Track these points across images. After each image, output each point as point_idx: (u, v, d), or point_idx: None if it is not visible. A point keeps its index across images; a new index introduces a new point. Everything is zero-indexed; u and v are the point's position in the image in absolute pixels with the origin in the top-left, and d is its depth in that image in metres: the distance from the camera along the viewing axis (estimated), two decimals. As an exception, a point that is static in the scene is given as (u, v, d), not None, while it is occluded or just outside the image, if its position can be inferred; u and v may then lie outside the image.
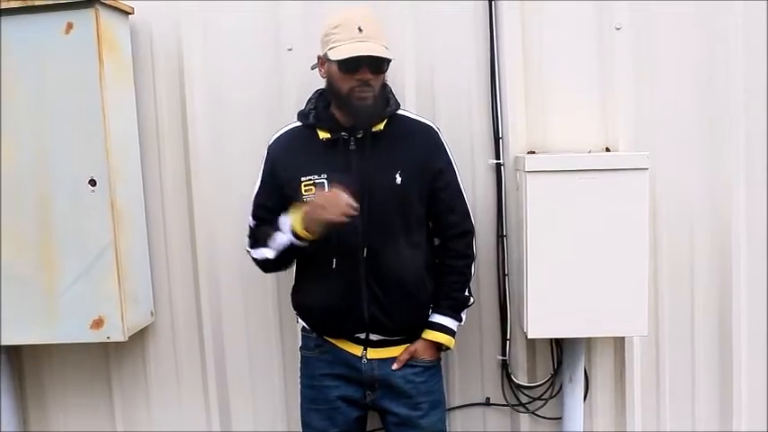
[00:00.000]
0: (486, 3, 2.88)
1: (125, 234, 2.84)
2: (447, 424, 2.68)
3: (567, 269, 2.60)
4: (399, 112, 2.52)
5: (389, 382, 2.51)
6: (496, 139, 2.91)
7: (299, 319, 2.65)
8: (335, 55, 2.31)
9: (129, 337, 2.87)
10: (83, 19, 2.70)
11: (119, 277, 2.78)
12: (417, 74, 2.94)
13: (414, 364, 2.52)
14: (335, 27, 2.36)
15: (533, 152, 2.87)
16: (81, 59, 2.71)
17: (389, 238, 2.40)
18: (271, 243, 2.43)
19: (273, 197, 2.50)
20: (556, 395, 3.00)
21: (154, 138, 3.08)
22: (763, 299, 2.93)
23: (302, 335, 2.67)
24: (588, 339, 2.93)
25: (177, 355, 3.19)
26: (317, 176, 2.40)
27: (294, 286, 2.65)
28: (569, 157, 2.65)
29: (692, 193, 2.90)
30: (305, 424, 2.66)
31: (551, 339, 2.95)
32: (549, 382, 3.00)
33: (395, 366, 2.50)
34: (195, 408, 3.21)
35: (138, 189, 3.02)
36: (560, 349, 2.94)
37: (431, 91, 2.94)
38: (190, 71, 3.03)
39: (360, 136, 2.41)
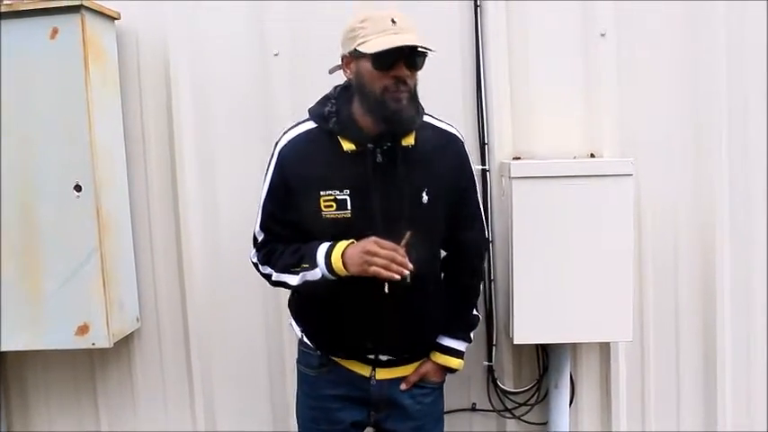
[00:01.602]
0: (472, 9, 2.90)
1: (110, 240, 2.83)
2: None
3: (553, 275, 2.61)
4: (425, 119, 2.26)
5: (397, 403, 2.37)
6: (482, 145, 2.93)
7: (298, 331, 2.45)
8: (369, 48, 2.03)
9: (115, 343, 2.86)
10: (68, 24, 2.70)
11: (104, 283, 2.78)
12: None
13: (421, 385, 2.39)
14: (363, 21, 2.08)
15: (519, 158, 2.88)
16: (67, 64, 2.71)
17: (417, 260, 2.08)
18: (297, 272, 2.20)
19: (285, 208, 2.25)
20: (542, 400, 3.01)
21: (140, 143, 3.08)
22: (747, 302, 2.96)
23: (301, 349, 2.46)
24: (574, 344, 2.94)
25: (163, 361, 3.18)
26: (338, 192, 2.15)
27: (299, 301, 2.44)
28: (554, 164, 2.66)
29: (677, 198, 2.93)
30: None
31: (537, 345, 2.95)
32: (535, 387, 3.01)
33: (403, 387, 2.35)
34: (181, 414, 3.20)
35: (123, 194, 3.02)
36: (546, 355, 2.95)
37: (417, 97, 2.94)
38: (176, 76, 3.03)
39: (386, 148, 2.16)
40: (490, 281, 2.96)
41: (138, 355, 3.18)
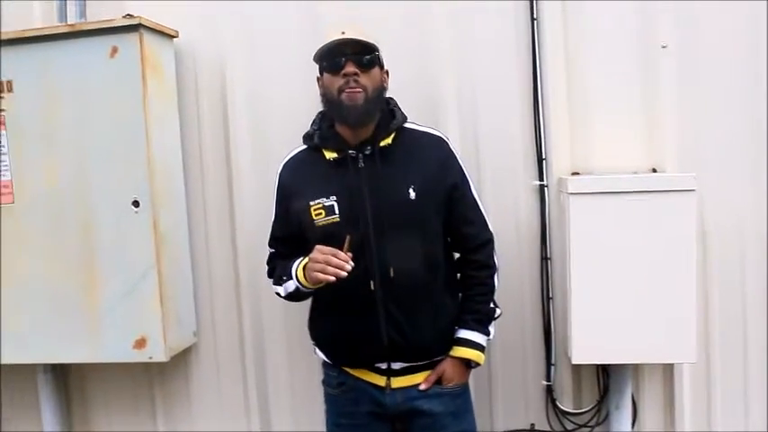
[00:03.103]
0: (529, 24, 2.86)
1: (167, 255, 2.86)
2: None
3: (613, 293, 2.55)
4: (407, 125, 2.38)
5: (417, 413, 2.36)
6: (540, 160, 2.88)
7: (317, 351, 2.51)
8: (318, 54, 2.26)
9: (173, 358, 2.90)
10: (127, 43, 2.75)
11: (161, 298, 2.81)
12: (459, 97, 2.92)
13: (441, 392, 2.37)
14: (323, 40, 2.26)
15: (577, 173, 2.82)
16: (125, 82, 2.76)
17: (406, 256, 2.25)
18: (281, 283, 2.40)
19: (284, 227, 2.44)
20: (602, 422, 2.93)
21: (197, 159, 3.11)
22: (819, 322, 2.83)
23: (324, 371, 2.53)
24: (635, 365, 2.85)
25: (220, 376, 3.20)
26: (325, 199, 2.28)
27: (310, 314, 2.54)
28: (613, 179, 2.59)
29: (742, 213, 2.83)
30: None
31: (597, 365, 2.88)
32: (596, 408, 2.94)
33: (422, 386, 2.34)
34: (238, 427, 3.21)
35: (181, 210, 3.05)
36: (607, 375, 2.87)
37: (473, 113, 2.92)
38: (233, 93, 3.06)
39: (368, 153, 2.28)
40: (548, 299, 2.89)
41: (195, 370, 3.21)
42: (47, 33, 2.80)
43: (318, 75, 2.33)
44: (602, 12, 2.83)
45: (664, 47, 2.79)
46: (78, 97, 2.80)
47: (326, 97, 2.30)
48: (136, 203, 2.78)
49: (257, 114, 3.05)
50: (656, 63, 2.81)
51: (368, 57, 2.25)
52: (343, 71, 2.22)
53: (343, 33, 2.22)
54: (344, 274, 2.09)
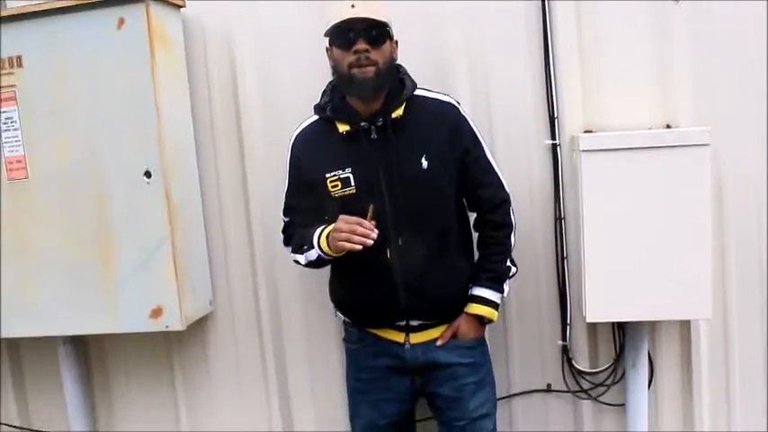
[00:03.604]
0: (540, -17, 2.81)
1: (182, 225, 2.88)
2: (496, 407, 2.61)
3: (627, 251, 2.52)
4: (417, 92, 2.42)
5: (434, 365, 2.46)
6: (552, 119, 2.84)
7: (338, 314, 2.64)
8: (328, 28, 2.27)
9: (190, 327, 2.92)
10: (134, 14, 2.73)
11: (176, 268, 2.82)
12: (469, 56, 2.88)
13: (457, 344, 2.46)
14: (331, 12, 2.28)
15: (590, 131, 2.79)
16: (133, 54, 2.75)
17: (421, 224, 2.35)
18: (302, 252, 2.47)
19: (298, 197, 2.53)
20: (619, 381, 2.92)
21: (208, 129, 3.11)
22: (838, 276, 2.80)
23: (345, 328, 2.66)
24: (652, 323, 2.84)
25: (237, 344, 3.22)
26: (341, 171, 2.35)
27: (331, 279, 2.64)
28: (625, 136, 2.55)
29: (759, 168, 2.78)
30: (354, 416, 2.65)
31: (613, 323, 2.87)
32: (612, 367, 2.93)
33: (439, 342, 2.44)
34: (256, 393, 3.24)
35: (194, 180, 3.06)
36: (623, 333, 2.86)
37: (484, 73, 2.88)
38: (242, 63, 3.04)
39: (380, 124, 2.34)
40: (563, 258, 2.88)
41: (212, 338, 3.23)
42: (54, 7, 2.78)
43: (328, 46, 2.35)
44: (614, -35, 2.78)
45: (676, 1, 2.74)
46: (87, 70, 2.79)
47: (337, 70, 2.33)
48: (148, 174, 2.78)
49: (267, 83, 3.03)
50: (669, 18, 2.75)
51: (378, 32, 2.27)
52: (354, 48, 2.24)
53: (353, 7, 2.22)
54: (370, 242, 2.18)
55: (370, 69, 2.26)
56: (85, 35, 2.78)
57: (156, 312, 2.85)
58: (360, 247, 2.18)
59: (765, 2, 2.71)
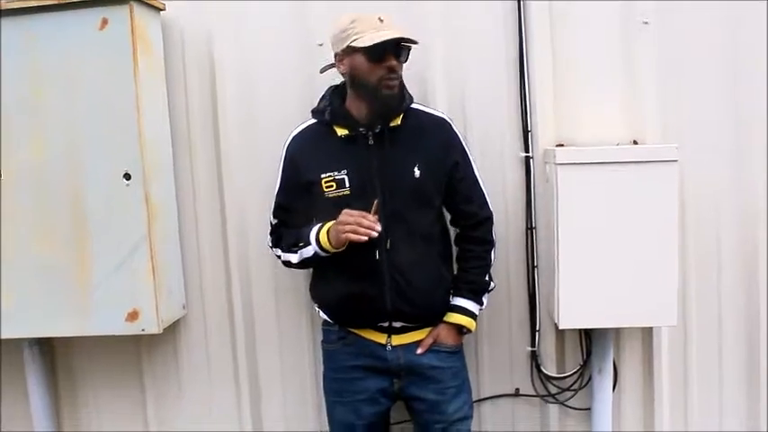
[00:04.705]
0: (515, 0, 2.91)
1: (159, 227, 2.87)
2: (473, 410, 2.70)
3: (598, 260, 2.63)
4: (413, 106, 2.55)
5: (415, 368, 2.53)
6: (525, 132, 2.94)
7: (320, 313, 2.67)
8: (364, 42, 2.33)
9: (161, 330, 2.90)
10: (118, 15, 2.73)
11: (153, 270, 2.81)
12: (447, 68, 2.96)
13: (438, 349, 2.54)
14: (352, 22, 2.38)
15: (562, 145, 2.89)
16: (116, 55, 2.73)
17: (409, 229, 2.44)
18: (295, 250, 2.53)
19: (292, 197, 2.58)
20: (585, 386, 3.03)
21: (185, 133, 3.10)
22: (791, 290, 2.96)
23: (323, 329, 2.70)
24: (617, 330, 2.96)
25: (209, 348, 3.21)
26: (336, 173, 2.44)
27: (313, 278, 2.70)
28: (600, 150, 2.67)
29: (720, 184, 2.93)
30: (331, 418, 2.69)
31: (580, 330, 2.98)
32: (579, 372, 3.03)
33: (419, 351, 2.52)
34: (226, 399, 3.23)
35: (170, 183, 3.05)
36: (589, 340, 2.97)
37: (461, 85, 2.96)
38: (221, 67, 3.05)
39: (377, 131, 2.44)
40: (533, 267, 2.97)
41: (183, 342, 3.22)
42: (34, 5, 2.75)
43: (339, 52, 2.44)
44: (586, -12, 2.91)
45: (645, 23, 2.87)
46: (66, 70, 2.76)
47: (360, 81, 2.40)
48: (127, 176, 2.77)
49: (245, 87, 3.05)
50: (638, 38, 2.89)
51: (408, 51, 2.43)
52: (386, 63, 2.35)
53: (381, 20, 2.36)
54: (376, 234, 2.29)
55: (396, 84, 2.40)
56: (66, 34, 2.75)
57: (133, 315, 2.83)
58: (365, 238, 2.27)
59: (727, 21, 2.88)
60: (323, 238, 2.41)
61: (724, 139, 2.91)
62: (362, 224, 2.27)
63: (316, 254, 2.46)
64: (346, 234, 2.29)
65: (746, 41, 2.88)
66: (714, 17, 2.88)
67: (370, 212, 2.30)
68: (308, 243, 2.46)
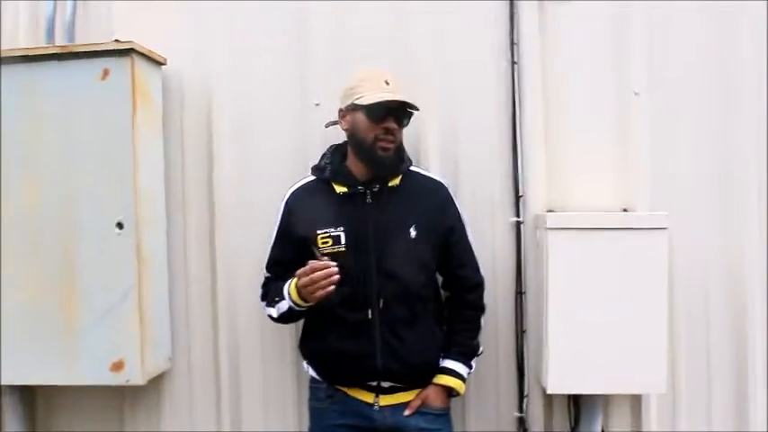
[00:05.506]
0: (509, 67, 2.97)
1: (148, 278, 2.86)
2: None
3: (588, 326, 2.63)
4: (412, 168, 2.61)
5: (403, 430, 2.50)
6: (517, 197, 2.97)
7: (309, 370, 2.64)
8: (366, 101, 2.39)
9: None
10: (119, 66, 2.78)
11: (141, 320, 2.80)
12: (440, 133, 3.01)
13: (425, 411, 2.52)
14: (362, 80, 2.46)
15: (552, 211, 2.92)
16: (115, 105, 2.78)
17: (403, 289, 2.44)
18: (274, 304, 2.51)
19: (287, 252, 2.56)
20: (573, 452, 2.99)
21: (179, 185, 3.12)
22: (779, 356, 2.97)
23: (311, 386, 2.67)
24: (606, 396, 2.94)
25: (192, 401, 3.16)
26: (332, 229, 2.45)
27: (303, 333, 2.67)
28: (590, 216, 2.72)
29: (709, 252, 2.97)
30: None
31: (569, 396, 2.96)
32: (566, 438, 3.01)
33: (407, 412, 2.50)
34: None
35: (162, 234, 3.05)
36: (577, 406, 2.95)
37: (454, 151, 3.01)
38: (218, 123, 3.09)
39: (376, 190, 2.48)
40: (522, 332, 2.97)
41: (167, 395, 3.17)
42: (37, 54, 2.81)
43: (343, 108, 2.51)
44: (580, 58, 2.98)
45: (636, 93, 2.94)
46: (65, 118, 2.81)
47: (358, 138, 2.46)
48: (120, 225, 2.78)
49: (241, 143, 3.08)
50: (629, 108, 2.95)
51: (409, 116, 2.49)
52: (384, 124, 2.41)
53: (387, 84, 2.43)
54: (337, 278, 2.23)
55: (392, 147, 2.44)
56: (67, 83, 2.81)
57: (118, 366, 2.80)
58: (332, 288, 2.23)
59: (717, 92, 2.96)
60: (293, 292, 2.39)
61: (714, 208, 2.97)
62: (319, 279, 2.23)
63: (290, 308, 2.44)
64: (316, 295, 2.26)
65: (737, 111, 2.95)
66: (703, 87, 2.96)
67: (319, 263, 2.26)
68: (282, 298, 2.46)
